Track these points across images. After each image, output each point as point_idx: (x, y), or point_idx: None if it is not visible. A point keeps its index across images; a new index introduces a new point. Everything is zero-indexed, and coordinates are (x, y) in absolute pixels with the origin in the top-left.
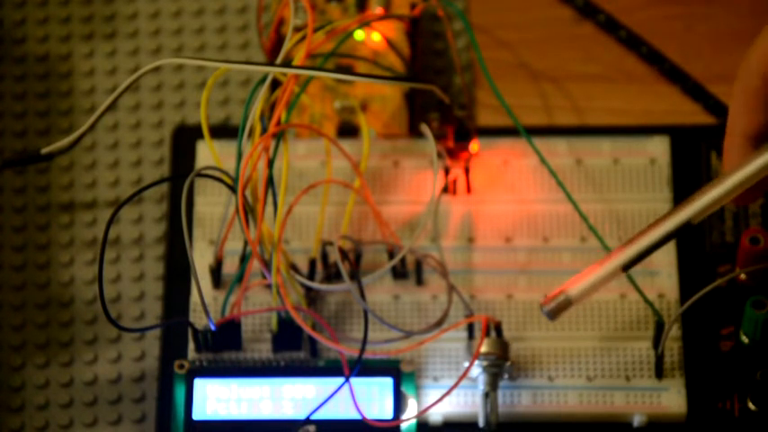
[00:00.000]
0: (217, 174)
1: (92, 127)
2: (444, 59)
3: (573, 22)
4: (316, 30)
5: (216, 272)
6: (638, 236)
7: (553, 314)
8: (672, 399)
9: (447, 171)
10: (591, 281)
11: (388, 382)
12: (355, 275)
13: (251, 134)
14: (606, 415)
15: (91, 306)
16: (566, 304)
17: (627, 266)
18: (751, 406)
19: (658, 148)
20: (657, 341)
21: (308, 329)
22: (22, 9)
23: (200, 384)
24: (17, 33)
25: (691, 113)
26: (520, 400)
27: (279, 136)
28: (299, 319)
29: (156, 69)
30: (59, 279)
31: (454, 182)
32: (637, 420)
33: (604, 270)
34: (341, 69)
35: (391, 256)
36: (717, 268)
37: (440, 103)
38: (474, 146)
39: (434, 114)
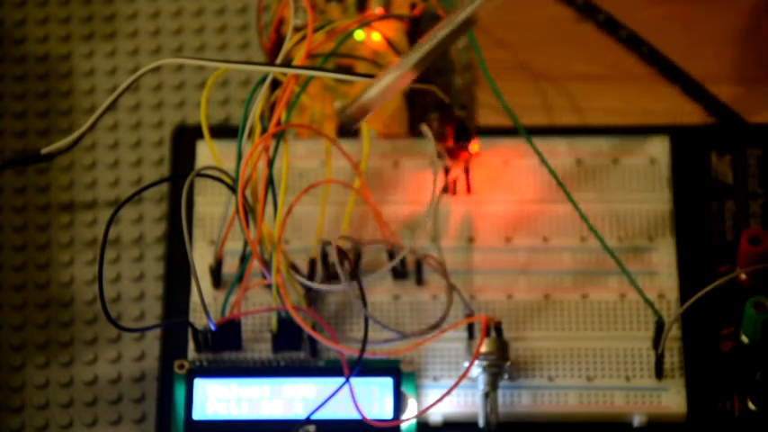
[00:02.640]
0: (217, 174)
1: (92, 127)
2: (444, 59)
3: (573, 22)
4: (316, 30)
5: (216, 272)
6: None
7: (352, 121)
8: (672, 399)
9: (447, 171)
10: (384, 83)
11: (388, 382)
12: (355, 275)
13: (251, 134)
14: (606, 415)
15: (91, 306)
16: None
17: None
18: (751, 406)
19: (658, 148)
20: (657, 341)
21: (308, 329)
22: (22, 9)
23: (200, 384)
24: (17, 33)
25: (691, 113)
26: (520, 400)
27: (279, 136)
28: (299, 319)
29: (156, 69)
30: (59, 279)
31: (454, 182)
32: (637, 420)
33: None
34: (341, 69)
35: (391, 256)
36: (717, 268)
37: (440, 103)
38: (474, 146)
39: (434, 114)
